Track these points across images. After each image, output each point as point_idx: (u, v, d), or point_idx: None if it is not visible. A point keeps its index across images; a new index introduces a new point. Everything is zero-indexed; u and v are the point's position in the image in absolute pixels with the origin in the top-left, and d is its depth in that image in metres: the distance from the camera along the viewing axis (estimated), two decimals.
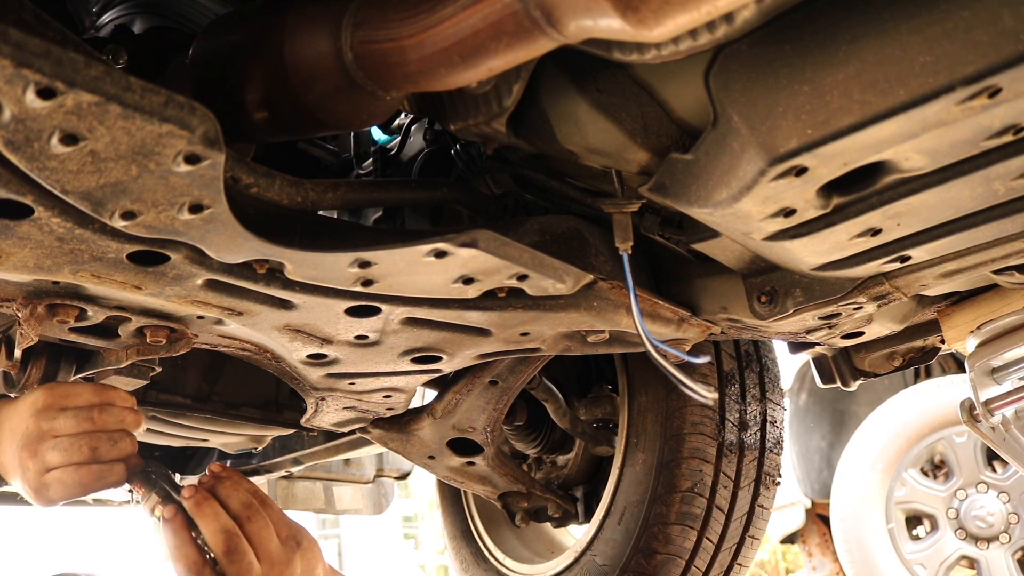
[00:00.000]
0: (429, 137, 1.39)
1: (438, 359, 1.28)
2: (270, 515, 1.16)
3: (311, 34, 0.83)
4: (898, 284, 1.10)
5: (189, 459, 2.36)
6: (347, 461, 3.01)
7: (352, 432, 1.73)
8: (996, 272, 1.10)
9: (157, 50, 1.14)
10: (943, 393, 3.59)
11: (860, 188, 0.86)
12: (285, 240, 0.87)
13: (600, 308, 1.14)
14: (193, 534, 1.09)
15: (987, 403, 1.34)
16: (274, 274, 0.96)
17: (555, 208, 1.15)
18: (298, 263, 0.92)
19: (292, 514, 1.34)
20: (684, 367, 1.08)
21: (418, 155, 1.40)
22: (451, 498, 2.41)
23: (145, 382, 1.29)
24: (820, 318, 1.19)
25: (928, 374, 4.06)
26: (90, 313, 0.99)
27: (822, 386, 1.64)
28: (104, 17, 1.36)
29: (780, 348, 1.78)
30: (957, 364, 3.98)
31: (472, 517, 2.33)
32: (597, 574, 1.80)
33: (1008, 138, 0.76)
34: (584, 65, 0.86)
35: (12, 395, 1.13)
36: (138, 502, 1.18)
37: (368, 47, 0.79)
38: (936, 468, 3.65)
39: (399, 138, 1.46)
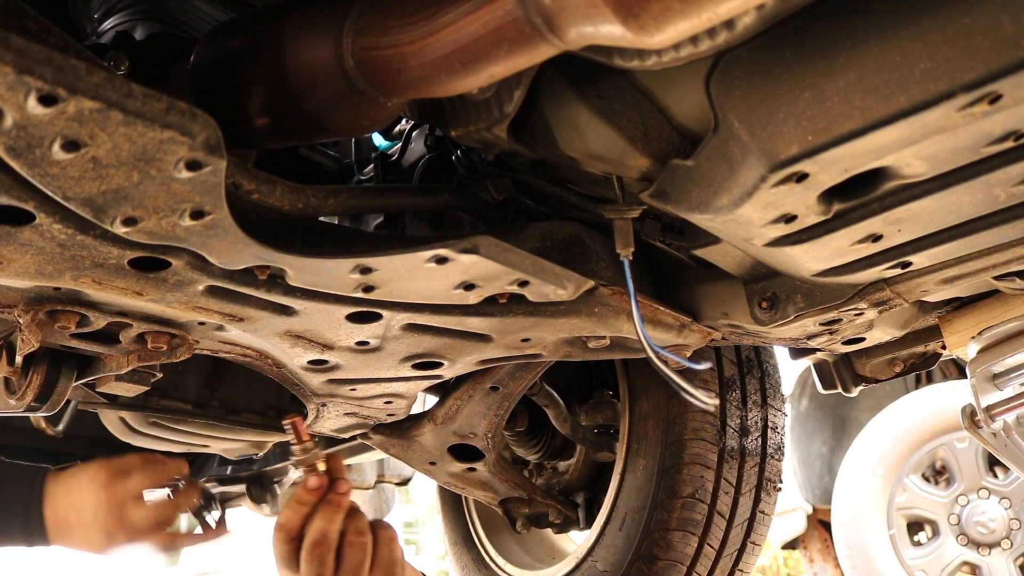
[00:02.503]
0: (430, 143, 1.39)
1: (439, 365, 1.28)
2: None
3: (312, 40, 0.83)
4: (899, 290, 1.10)
5: (190, 465, 2.35)
6: (348, 467, 3.00)
7: (353, 438, 1.73)
8: (997, 278, 1.10)
9: (158, 56, 1.15)
10: (944, 399, 3.59)
11: (861, 194, 0.86)
12: (286, 246, 0.87)
13: (601, 314, 1.14)
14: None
15: (988, 409, 1.34)
16: (275, 280, 0.96)
17: (556, 214, 1.15)
18: (299, 269, 0.92)
19: None
20: (685, 373, 1.08)
21: (419, 161, 1.41)
22: (452, 504, 2.40)
23: (146, 388, 1.28)
24: (821, 324, 1.19)
25: (929, 380, 4.06)
26: (91, 319, 0.99)
27: (823, 392, 1.64)
28: (106, 23, 1.36)
29: (781, 354, 1.78)
30: (958, 370, 3.98)
31: (473, 523, 2.33)
32: None
33: (1009, 144, 0.76)
34: (585, 71, 0.86)
35: (12, 401, 1.13)
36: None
37: (369, 53, 0.79)
38: (937, 474, 3.65)
39: (400, 144, 1.47)
